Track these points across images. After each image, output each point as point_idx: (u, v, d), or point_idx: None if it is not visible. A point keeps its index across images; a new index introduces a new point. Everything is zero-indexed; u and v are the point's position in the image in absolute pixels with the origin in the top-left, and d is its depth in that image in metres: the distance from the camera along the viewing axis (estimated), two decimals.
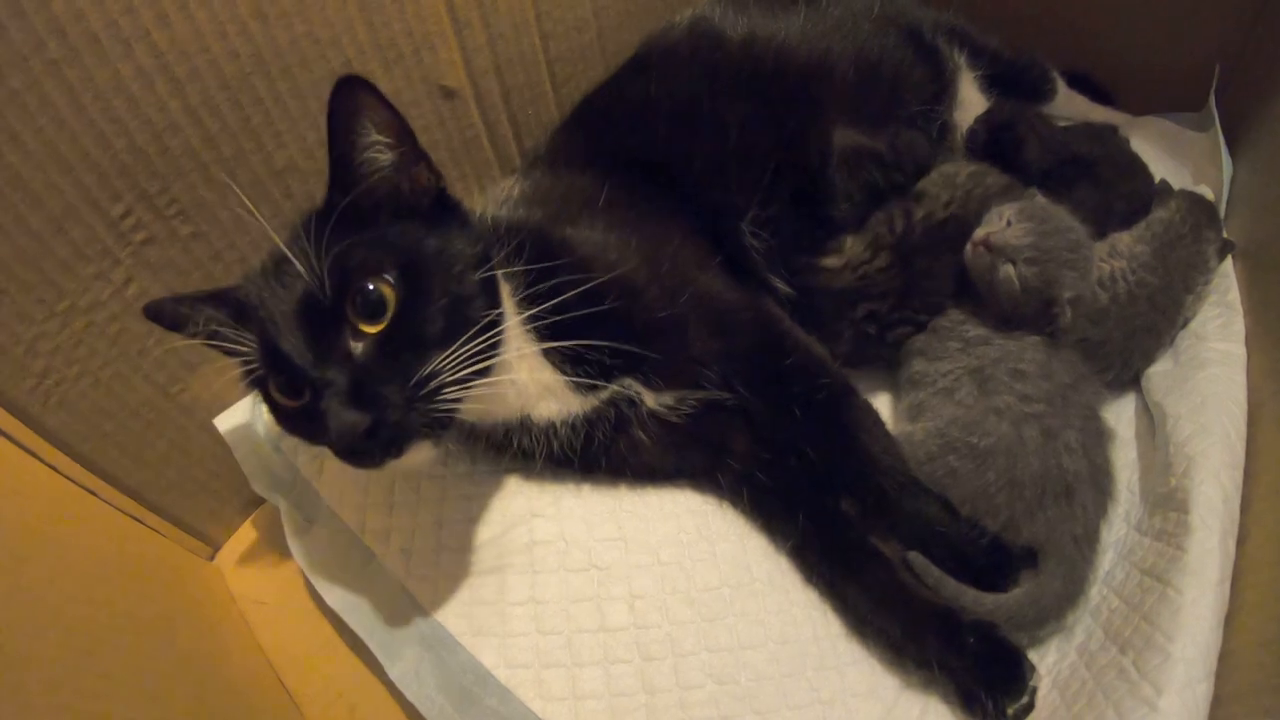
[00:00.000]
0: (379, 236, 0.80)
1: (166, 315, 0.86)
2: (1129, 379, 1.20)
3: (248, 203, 0.95)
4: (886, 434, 1.02)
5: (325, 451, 0.76)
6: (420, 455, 0.77)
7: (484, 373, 0.80)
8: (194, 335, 0.84)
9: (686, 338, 0.97)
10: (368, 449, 0.73)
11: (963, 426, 0.99)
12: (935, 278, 1.13)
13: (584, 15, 1.29)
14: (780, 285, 1.12)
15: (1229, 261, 1.28)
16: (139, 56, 0.91)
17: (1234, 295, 1.24)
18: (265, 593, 1.13)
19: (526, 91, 1.29)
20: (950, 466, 0.98)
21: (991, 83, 1.39)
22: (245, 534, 1.17)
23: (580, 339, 0.89)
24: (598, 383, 0.93)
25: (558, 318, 0.86)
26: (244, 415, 1.10)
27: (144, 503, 1.08)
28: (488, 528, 1.02)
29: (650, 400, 0.99)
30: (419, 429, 0.75)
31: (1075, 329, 1.10)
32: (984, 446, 0.97)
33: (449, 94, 1.19)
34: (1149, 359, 1.18)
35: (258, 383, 0.81)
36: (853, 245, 1.14)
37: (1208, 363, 1.12)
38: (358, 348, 0.76)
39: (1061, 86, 1.51)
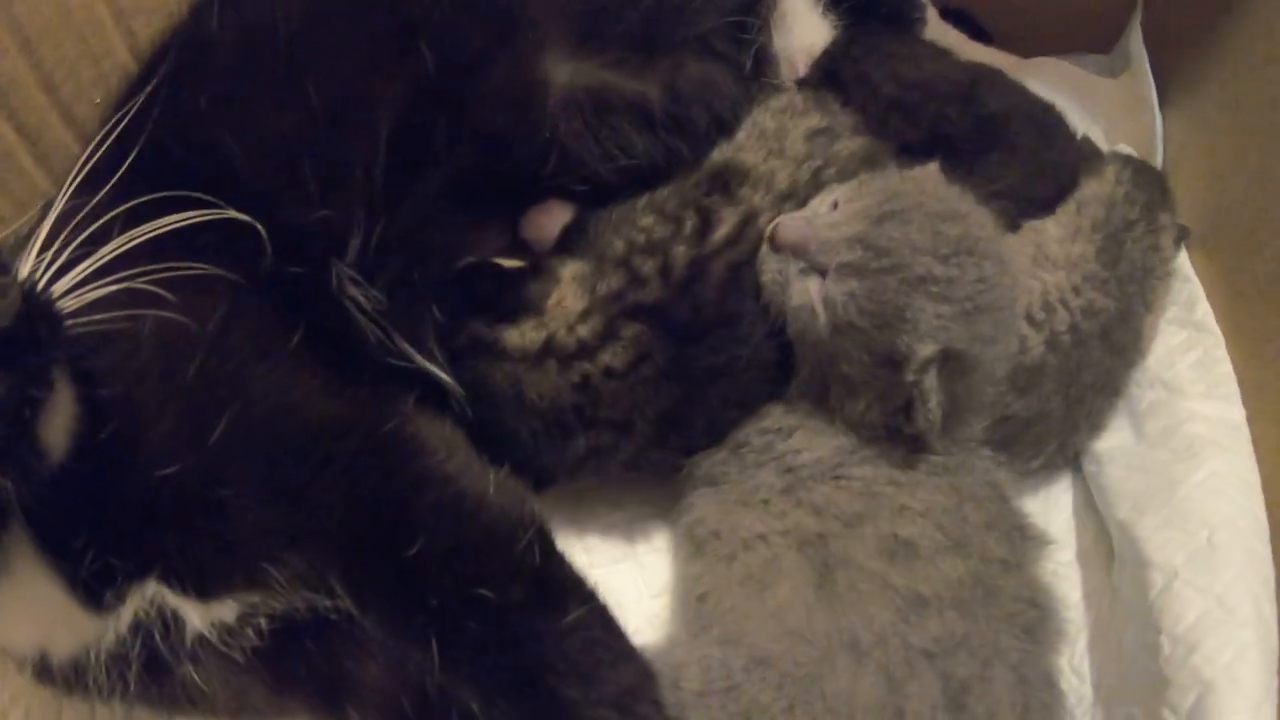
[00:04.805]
0: None
1: None
2: (1065, 461, 0.66)
3: None
4: (622, 673, 0.48)
5: None
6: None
7: None
8: None
9: (229, 504, 0.51)
10: None
11: (780, 681, 0.42)
12: (739, 385, 0.54)
13: None
14: (435, 370, 0.54)
15: (1184, 259, 0.77)
16: None
17: (1203, 312, 0.73)
18: None
19: (85, 71, 0.69)
20: None
21: (838, 2, 0.83)
22: None
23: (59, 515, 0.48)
24: (105, 592, 0.51)
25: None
26: None
27: None
28: None
29: (196, 618, 0.53)
30: None
31: (993, 406, 0.54)
32: None
33: None
34: (1099, 427, 0.66)
35: None
36: (568, 294, 0.55)
37: (1198, 445, 0.60)
38: None
39: (932, 17, 0.98)
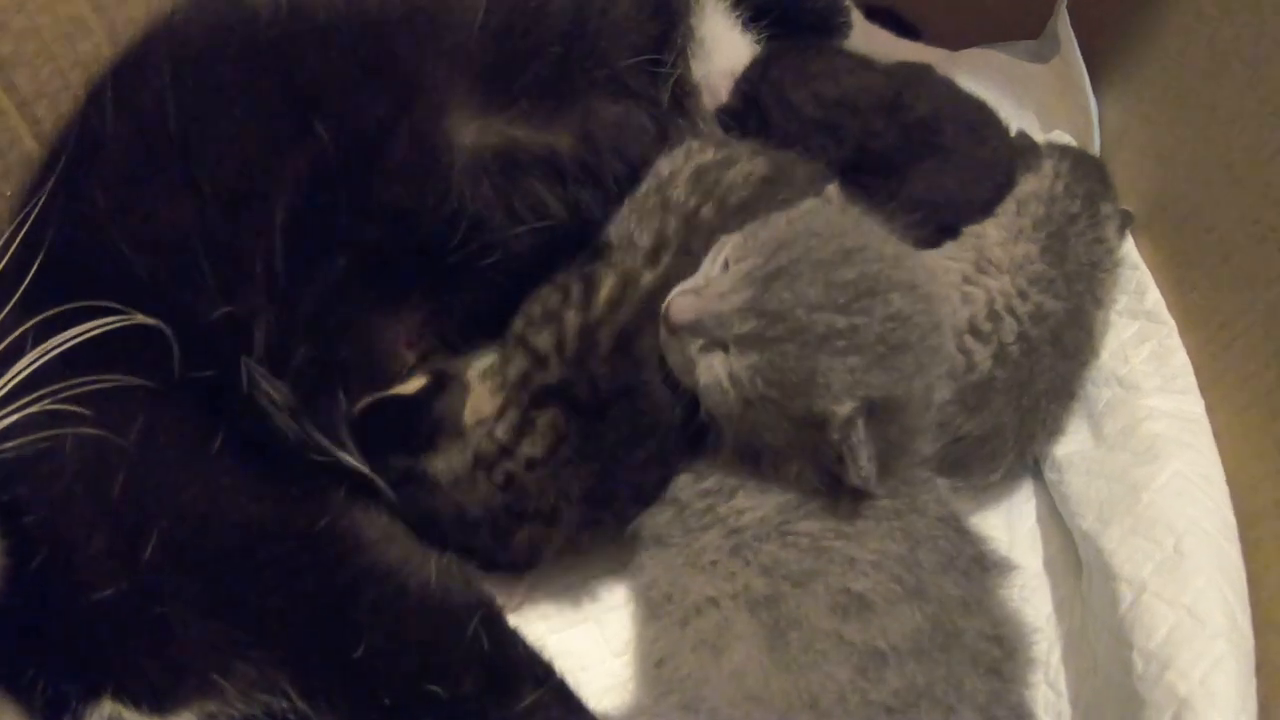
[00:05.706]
0: None
1: None
2: (1025, 468, 0.64)
3: None
4: None
5: None
6: None
7: None
8: None
9: (171, 619, 0.49)
10: None
11: None
12: (657, 449, 0.52)
13: (78, 11, 0.63)
14: (351, 461, 0.52)
15: (1130, 245, 0.75)
16: None
17: (1154, 300, 0.71)
18: None
19: None
20: None
21: (759, 17, 0.80)
22: None
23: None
24: (63, 717, 0.48)
25: None
26: None
27: None
28: None
29: None
30: None
31: (943, 428, 0.52)
32: None
33: None
34: (1056, 432, 0.64)
35: None
36: (482, 399, 0.53)
37: (1159, 444, 0.58)
38: None
39: (858, 19, 0.94)
